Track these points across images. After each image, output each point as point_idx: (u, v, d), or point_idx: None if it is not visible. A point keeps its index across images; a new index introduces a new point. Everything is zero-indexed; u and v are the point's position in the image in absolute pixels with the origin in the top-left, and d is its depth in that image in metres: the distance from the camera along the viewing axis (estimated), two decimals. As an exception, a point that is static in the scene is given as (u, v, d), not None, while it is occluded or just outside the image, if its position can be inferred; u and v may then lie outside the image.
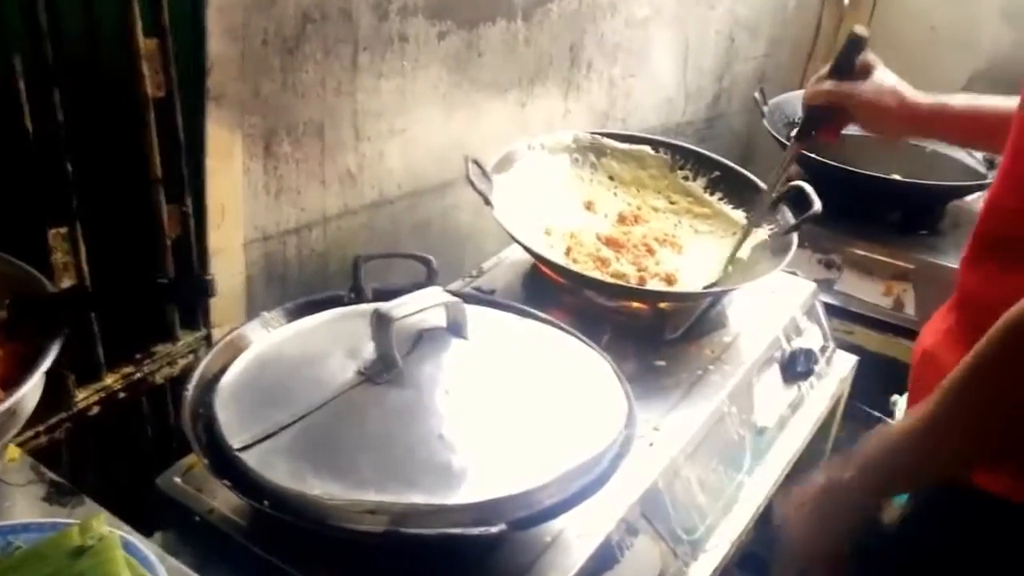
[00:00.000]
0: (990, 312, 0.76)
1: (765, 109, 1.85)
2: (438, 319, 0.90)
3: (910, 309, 1.66)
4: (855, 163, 1.75)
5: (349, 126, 1.32)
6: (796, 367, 1.30)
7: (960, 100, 1.17)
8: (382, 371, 0.84)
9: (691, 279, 1.33)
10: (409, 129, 1.42)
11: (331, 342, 0.90)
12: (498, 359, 0.92)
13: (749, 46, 2.27)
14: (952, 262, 1.68)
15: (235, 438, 0.81)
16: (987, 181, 1.77)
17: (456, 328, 0.91)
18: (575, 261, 1.33)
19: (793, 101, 2.04)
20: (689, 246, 1.42)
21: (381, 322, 0.83)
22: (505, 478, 0.79)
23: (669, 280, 1.32)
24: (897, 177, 1.73)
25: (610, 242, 1.37)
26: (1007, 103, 1.11)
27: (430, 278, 1.05)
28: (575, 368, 0.96)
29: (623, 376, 0.95)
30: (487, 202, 1.24)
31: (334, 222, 1.36)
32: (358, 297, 1.04)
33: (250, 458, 0.79)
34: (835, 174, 1.73)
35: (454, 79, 1.47)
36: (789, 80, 2.52)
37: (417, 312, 0.84)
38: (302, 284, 1.34)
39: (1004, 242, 0.92)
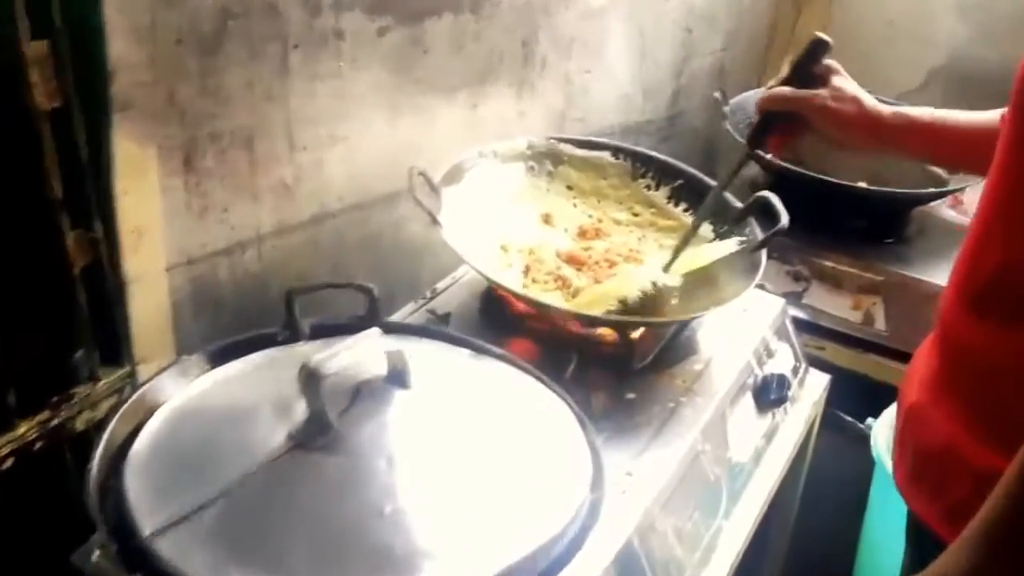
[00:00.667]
0: (989, 371, 0.68)
1: (726, 110, 1.76)
2: (378, 367, 0.78)
3: (880, 324, 1.58)
4: (818, 170, 1.68)
5: (282, 134, 1.19)
6: (769, 395, 1.21)
7: (923, 112, 1.10)
8: (315, 435, 0.72)
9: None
10: (350, 136, 1.29)
11: (259, 395, 0.78)
12: (447, 413, 0.80)
13: (707, 39, 2.18)
14: (920, 274, 1.62)
15: (147, 520, 0.68)
16: (951, 188, 1.70)
17: (398, 378, 0.78)
18: (534, 281, 1.22)
19: (752, 99, 1.95)
20: (654, 261, 1.31)
21: (310, 380, 0.70)
22: (456, 564, 0.68)
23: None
24: (863, 185, 1.65)
25: (571, 259, 1.26)
26: (972, 118, 1.07)
27: (372, 310, 0.93)
28: (535, 418, 0.85)
29: (588, 423, 0.84)
30: (434, 221, 1.12)
31: (270, 240, 1.22)
32: (292, 335, 0.91)
33: (164, 546, 0.67)
34: (801, 181, 1.66)
35: (398, 80, 1.35)
36: (747, 76, 2.44)
37: (351, 365, 0.72)
38: (239, 310, 1.21)
39: (1013, 296, 0.82)
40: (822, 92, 1.10)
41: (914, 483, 0.93)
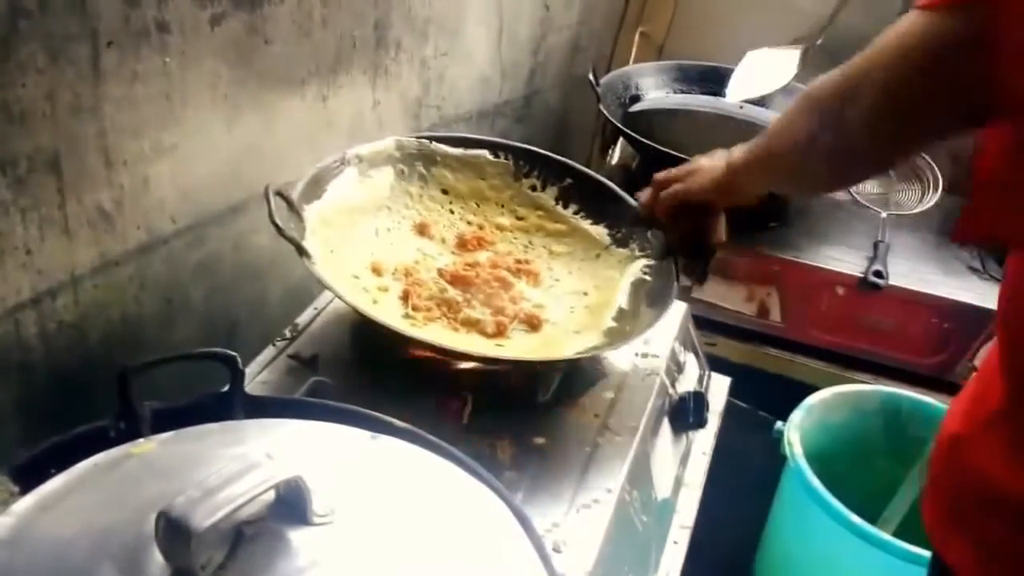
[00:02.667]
0: None
1: (600, 91, 1.63)
2: (264, 495, 0.58)
3: (776, 315, 1.51)
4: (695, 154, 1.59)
5: (96, 151, 0.96)
6: (687, 417, 1.10)
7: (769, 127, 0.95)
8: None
9: (557, 317, 1.10)
10: (181, 144, 1.08)
11: (91, 542, 0.56)
12: (356, 547, 0.60)
13: (563, 14, 2.04)
14: (810, 259, 1.57)
15: None
16: None
17: (292, 512, 0.57)
18: (415, 309, 1.05)
19: (620, 79, 1.85)
20: (547, 273, 1.17)
21: (175, 536, 0.51)
22: None
23: (532, 323, 1.08)
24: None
25: (455, 279, 1.10)
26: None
27: (235, 385, 0.74)
28: (466, 530, 0.67)
29: (531, 523, 0.68)
30: (302, 253, 0.93)
31: (88, 281, 1.00)
32: (129, 427, 0.71)
33: None
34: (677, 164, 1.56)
35: (236, 74, 1.14)
36: (601, 50, 2.33)
37: (232, 511, 0.53)
38: (51, 369, 0.98)
39: None
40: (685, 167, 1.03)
41: (949, 524, 0.82)
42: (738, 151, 0.96)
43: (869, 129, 0.74)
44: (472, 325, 1.06)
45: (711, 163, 1.00)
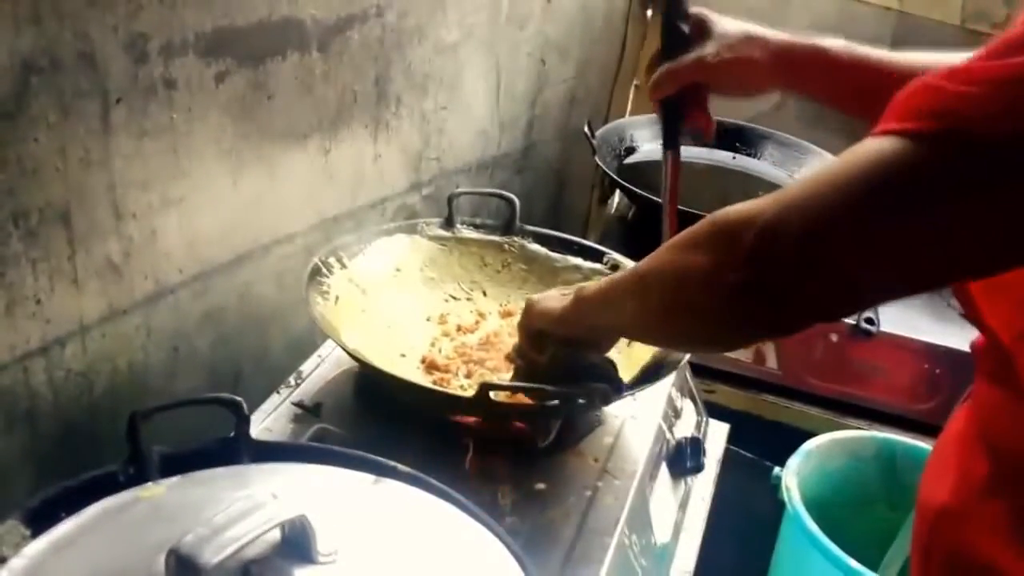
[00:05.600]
0: None
1: (595, 143, 1.67)
2: (270, 534, 0.60)
3: (772, 363, 1.53)
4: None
5: (105, 204, 0.99)
6: (685, 462, 1.11)
7: (839, 50, 0.94)
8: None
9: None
10: (187, 197, 1.11)
11: None
12: None
13: (559, 68, 2.10)
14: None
15: None
16: None
17: (298, 550, 0.59)
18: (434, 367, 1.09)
19: (615, 131, 1.89)
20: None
21: (185, 573, 0.52)
22: None
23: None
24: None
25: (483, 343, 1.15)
26: (897, 61, 0.91)
27: (240, 430, 0.76)
28: (467, 571, 0.68)
29: (529, 565, 0.69)
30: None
31: (96, 330, 1.02)
32: (139, 472, 0.72)
33: None
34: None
35: (240, 129, 1.17)
36: (598, 103, 2.39)
37: (239, 548, 0.55)
38: (59, 417, 1.00)
39: None
40: (709, 49, 0.94)
41: None
42: None
43: None
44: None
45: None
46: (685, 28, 0.95)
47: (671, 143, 1.02)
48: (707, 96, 1.00)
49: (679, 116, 1.00)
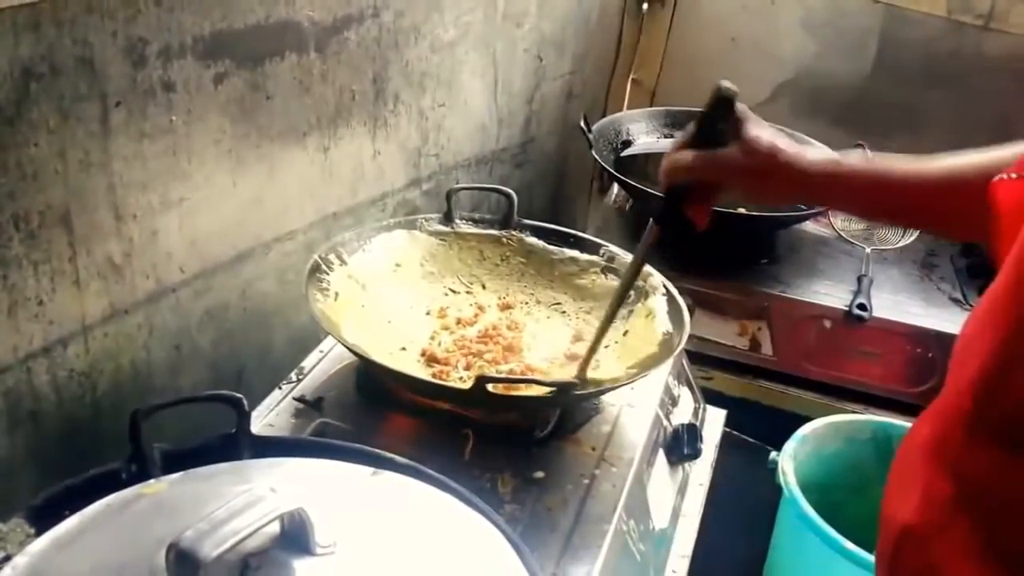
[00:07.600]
0: (1012, 502, 0.59)
1: (591, 138, 1.68)
2: (269, 527, 0.61)
3: (767, 349, 1.55)
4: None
5: (106, 205, 1.01)
6: (682, 449, 1.13)
7: (856, 163, 0.95)
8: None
9: (544, 348, 1.14)
10: (188, 197, 1.12)
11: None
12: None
13: (556, 64, 2.11)
14: (799, 294, 1.61)
15: None
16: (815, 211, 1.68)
17: (297, 542, 0.60)
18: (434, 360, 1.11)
19: (612, 125, 1.91)
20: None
21: (185, 567, 0.53)
22: None
23: (511, 350, 1.13)
24: (743, 211, 1.61)
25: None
26: (919, 171, 0.90)
27: (241, 427, 0.77)
28: (464, 560, 0.70)
29: (528, 554, 0.71)
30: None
31: (98, 329, 1.04)
32: (140, 469, 0.74)
33: None
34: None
35: (239, 129, 1.18)
36: (595, 97, 2.40)
37: (239, 542, 0.56)
38: (63, 417, 1.01)
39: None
40: (730, 151, 0.94)
41: None
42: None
43: None
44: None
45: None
46: (723, 126, 0.95)
47: (661, 221, 1.01)
48: (716, 194, 1.00)
49: (682, 201, 1.00)
